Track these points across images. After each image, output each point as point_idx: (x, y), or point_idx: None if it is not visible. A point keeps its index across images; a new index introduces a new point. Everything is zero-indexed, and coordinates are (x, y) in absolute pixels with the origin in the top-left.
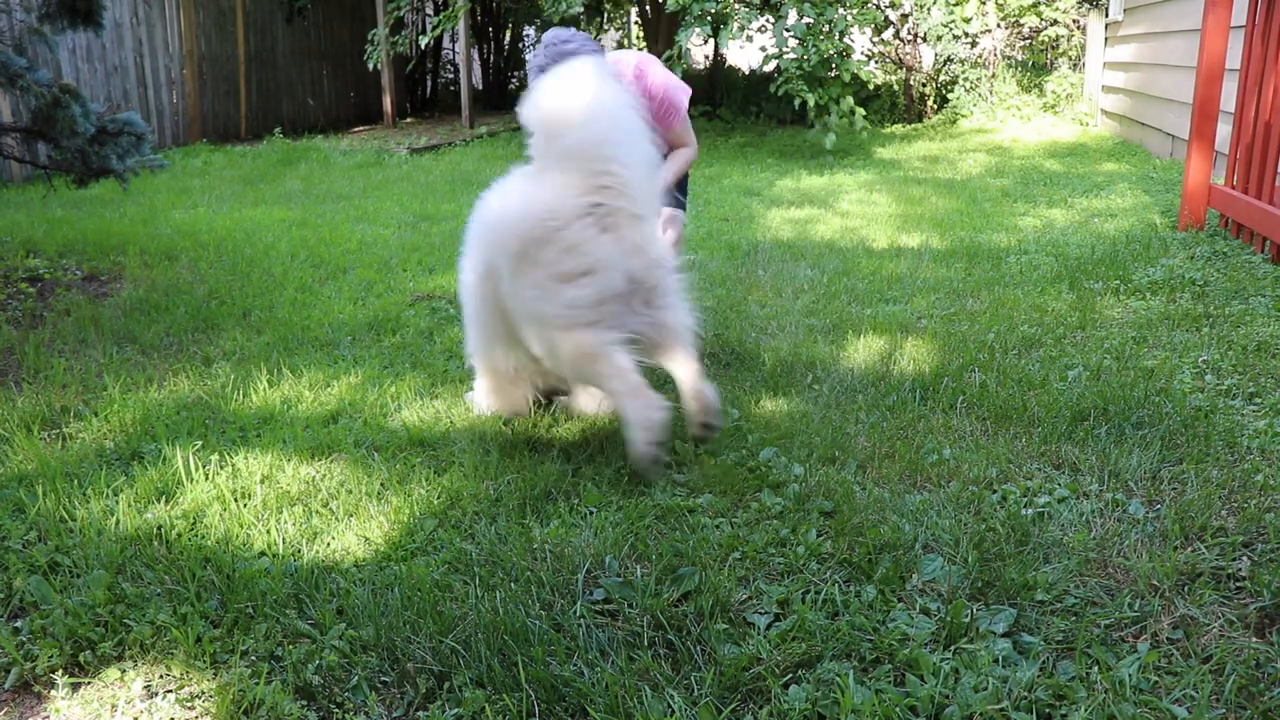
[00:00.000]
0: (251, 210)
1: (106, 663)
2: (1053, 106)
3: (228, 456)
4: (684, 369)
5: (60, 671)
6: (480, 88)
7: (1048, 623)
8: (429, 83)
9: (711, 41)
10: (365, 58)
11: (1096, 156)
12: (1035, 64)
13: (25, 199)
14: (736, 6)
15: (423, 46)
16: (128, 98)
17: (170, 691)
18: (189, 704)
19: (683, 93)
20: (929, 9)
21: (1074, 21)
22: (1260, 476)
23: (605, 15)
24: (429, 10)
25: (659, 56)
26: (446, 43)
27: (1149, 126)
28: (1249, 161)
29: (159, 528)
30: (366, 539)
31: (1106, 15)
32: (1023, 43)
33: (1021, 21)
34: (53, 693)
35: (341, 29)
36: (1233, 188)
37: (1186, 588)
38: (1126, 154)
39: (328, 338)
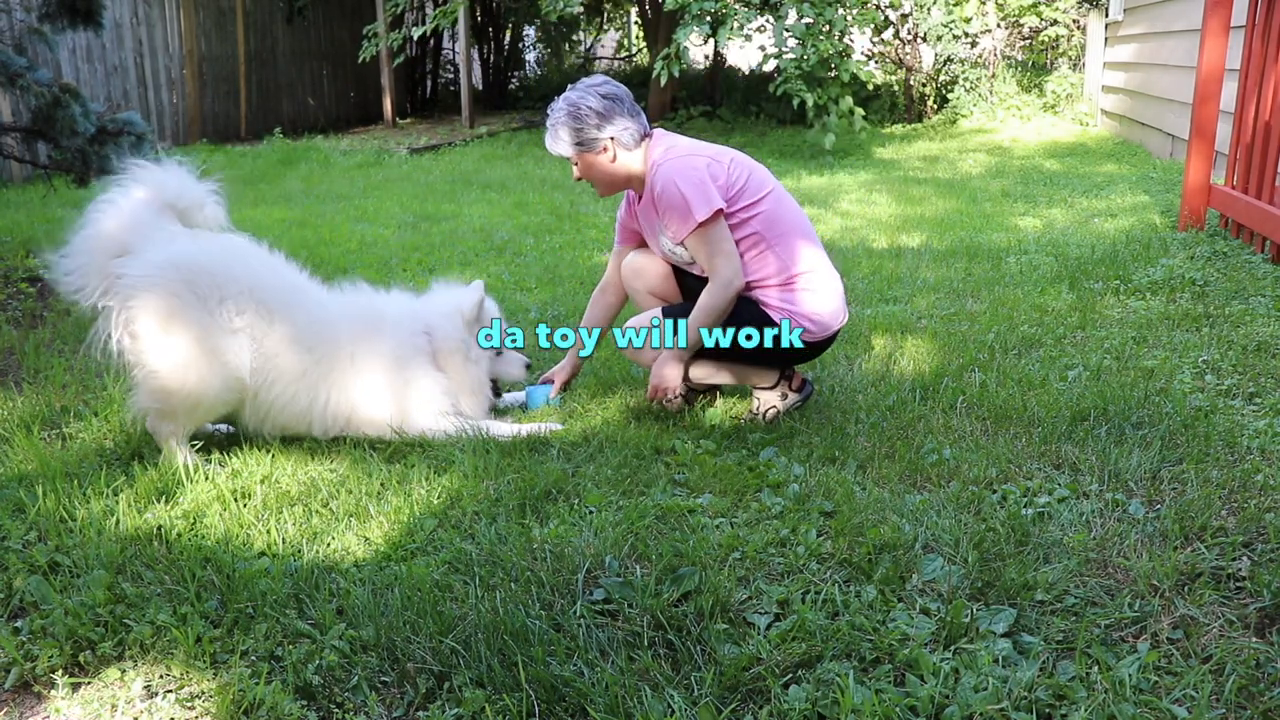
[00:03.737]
0: (251, 210)
1: (106, 663)
2: (1053, 106)
3: (228, 457)
4: None
5: (60, 671)
6: (480, 88)
7: (1048, 623)
8: (429, 83)
9: (711, 41)
10: (360, 52)
11: (1096, 156)
12: (1035, 64)
13: (25, 199)
14: (735, 6)
15: (416, 38)
16: (128, 98)
17: (170, 691)
18: (189, 704)
19: (687, 189)
20: (929, 9)
21: (1074, 21)
22: (1260, 476)
23: (605, 15)
24: (428, 10)
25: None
26: (446, 43)
27: (1149, 126)
28: (1249, 161)
29: (159, 528)
30: (366, 539)
31: (1106, 15)
32: (1023, 43)
33: (1021, 21)
34: (53, 693)
35: (341, 29)
36: (1233, 188)
37: (1186, 588)
38: (1126, 154)
39: None
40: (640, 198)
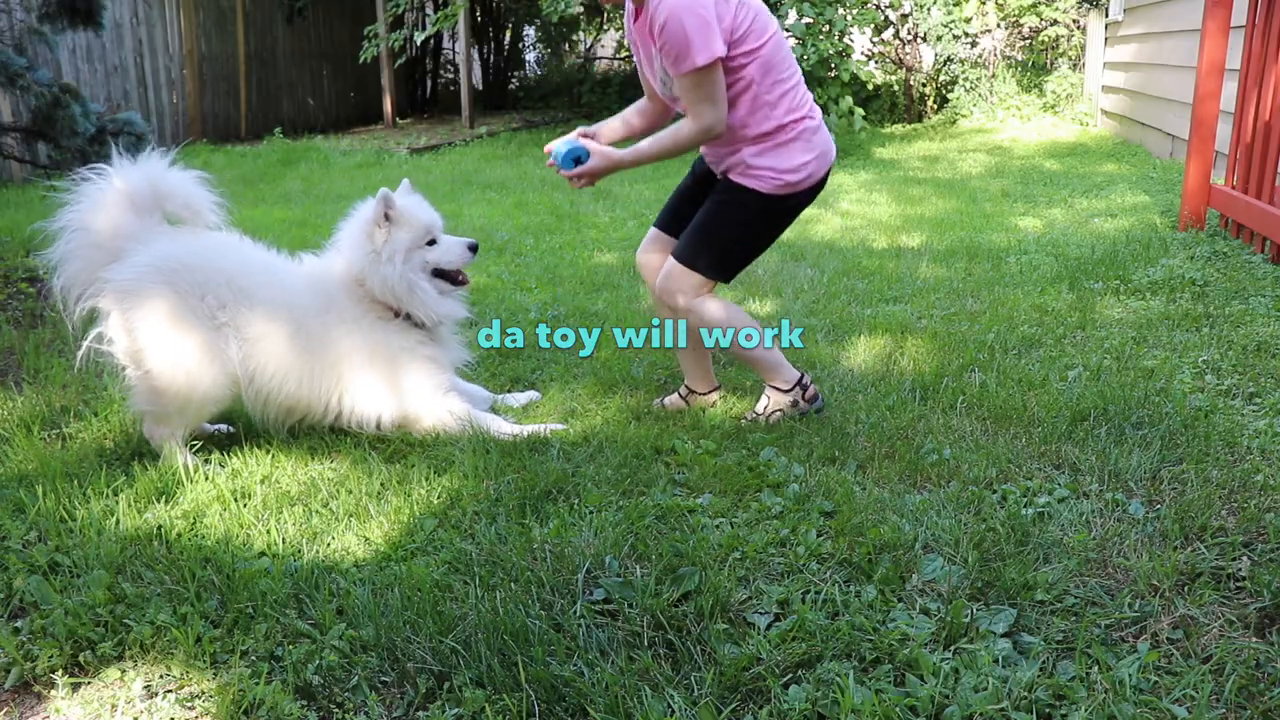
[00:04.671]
0: (251, 210)
1: (106, 663)
2: (1052, 106)
3: (227, 457)
4: None
5: (60, 671)
6: (480, 88)
7: (1048, 623)
8: (429, 83)
9: None
10: (361, 53)
11: (1096, 156)
12: (1035, 64)
13: (25, 199)
14: None
15: (419, 42)
16: (128, 98)
17: (170, 691)
18: (189, 704)
19: (691, 29)
20: (929, 9)
21: (1074, 21)
22: (1260, 476)
23: (605, 15)
24: (429, 10)
25: None
26: (446, 42)
27: (1149, 126)
28: (1249, 161)
29: (159, 528)
30: (366, 539)
31: (1106, 15)
32: (1023, 43)
33: (1021, 21)
34: (53, 693)
35: (341, 29)
36: (1233, 188)
37: (1186, 588)
38: (1126, 154)
39: None
40: (638, 11)
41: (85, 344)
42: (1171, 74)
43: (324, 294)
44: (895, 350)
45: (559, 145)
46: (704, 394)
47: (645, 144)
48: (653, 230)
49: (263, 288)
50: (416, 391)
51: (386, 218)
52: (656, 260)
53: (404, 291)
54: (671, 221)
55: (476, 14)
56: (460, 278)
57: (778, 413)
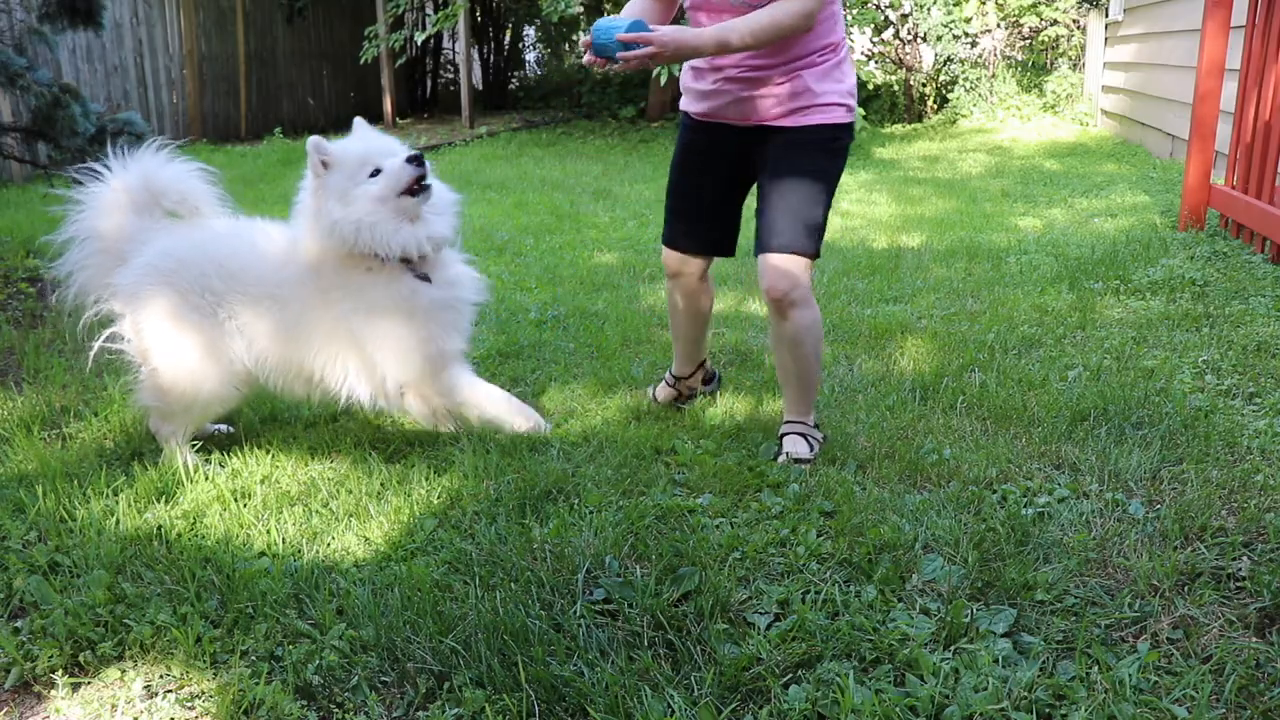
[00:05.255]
0: (251, 210)
1: (106, 663)
2: (1053, 106)
3: (228, 457)
4: None
5: (60, 671)
6: (480, 88)
7: (1048, 623)
8: (429, 83)
9: None
10: (360, 54)
11: (1096, 156)
12: (1035, 64)
13: (25, 199)
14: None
15: (419, 42)
16: (128, 98)
17: (170, 691)
18: (189, 704)
19: None
20: (929, 9)
21: (1074, 21)
22: (1260, 476)
23: (605, 15)
24: (429, 10)
25: None
26: (446, 42)
27: (1149, 126)
28: (1249, 161)
29: (159, 528)
30: (366, 539)
31: (1106, 15)
32: (1023, 43)
33: (1021, 21)
34: (53, 693)
35: (341, 29)
36: (1233, 188)
37: (1186, 588)
38: (1126, 154)
39: None
40: None
41: (96, 345)
42: (1171, 74)
43: (311, 258)
44: (895, 350)
45: (605, 21)
46: (689, 376)
47: (729, 27)
48: (687, 258)
49: (251, 268)
50: (430, 355)
51: (324, 165)
52: (694, 266)
53: (353, 235)
54: (710, 239)
55: (476, 14)
56: (417, 187)
57: (818, 441)
